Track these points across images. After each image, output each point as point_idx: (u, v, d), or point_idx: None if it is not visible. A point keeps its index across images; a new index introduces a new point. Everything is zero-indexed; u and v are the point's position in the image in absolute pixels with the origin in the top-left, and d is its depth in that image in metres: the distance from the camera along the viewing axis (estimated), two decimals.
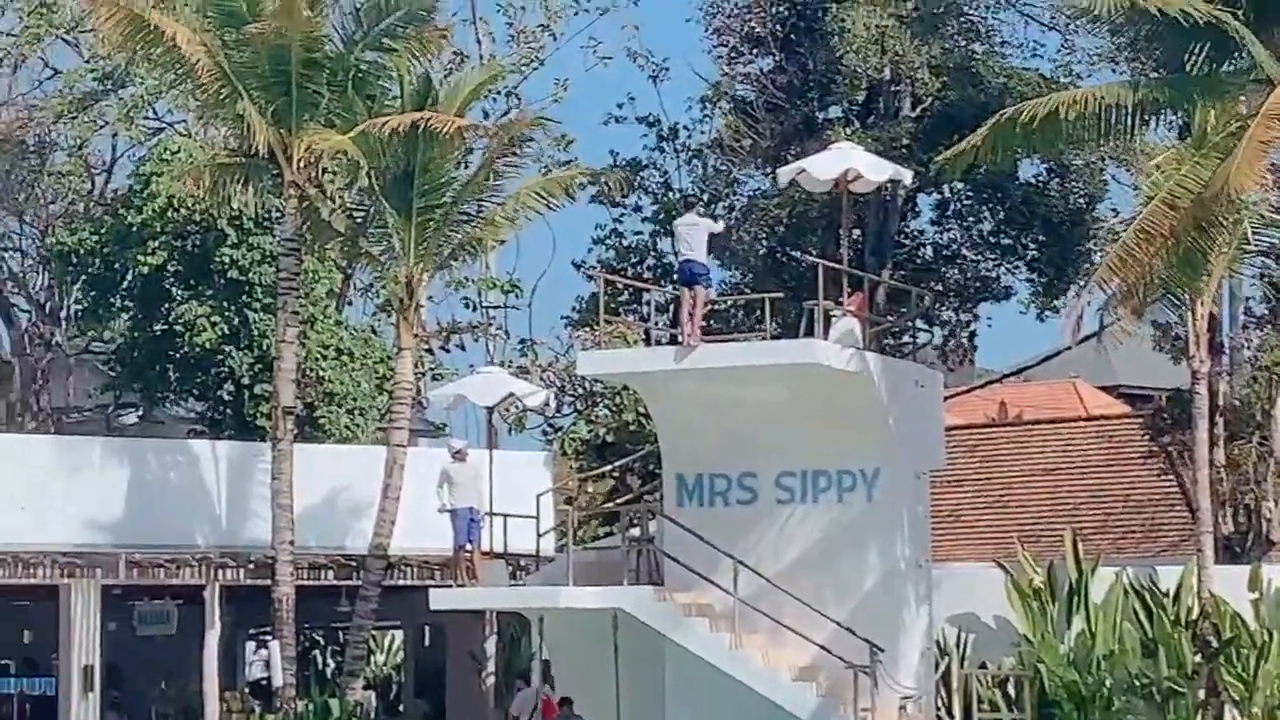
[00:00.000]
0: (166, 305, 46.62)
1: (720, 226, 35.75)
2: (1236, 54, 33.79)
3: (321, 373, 46.49)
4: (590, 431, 50.57)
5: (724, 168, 55.76)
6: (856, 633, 33.08)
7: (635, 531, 36.91)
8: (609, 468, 46.34)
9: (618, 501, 43.37)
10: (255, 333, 45.68)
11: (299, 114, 39.16)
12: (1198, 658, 35.99)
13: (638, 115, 56.92)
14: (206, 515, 41.22)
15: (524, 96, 55.01)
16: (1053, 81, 49.08)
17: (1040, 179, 52.91)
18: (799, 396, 34.02)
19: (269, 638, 40.94)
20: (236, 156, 40.69)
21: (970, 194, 54.05)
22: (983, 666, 36.00)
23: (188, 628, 41.30)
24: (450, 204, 40.57)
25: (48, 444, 43.27)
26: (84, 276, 49.37)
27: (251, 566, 40.10)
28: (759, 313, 39.11)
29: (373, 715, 39.49)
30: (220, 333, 46.10)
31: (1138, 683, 35.99)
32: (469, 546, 37.00)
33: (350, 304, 51.69)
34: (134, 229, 46.98)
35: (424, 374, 48.18)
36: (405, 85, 40.66)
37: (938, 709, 34.35)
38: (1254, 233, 37.62)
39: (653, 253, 54.73)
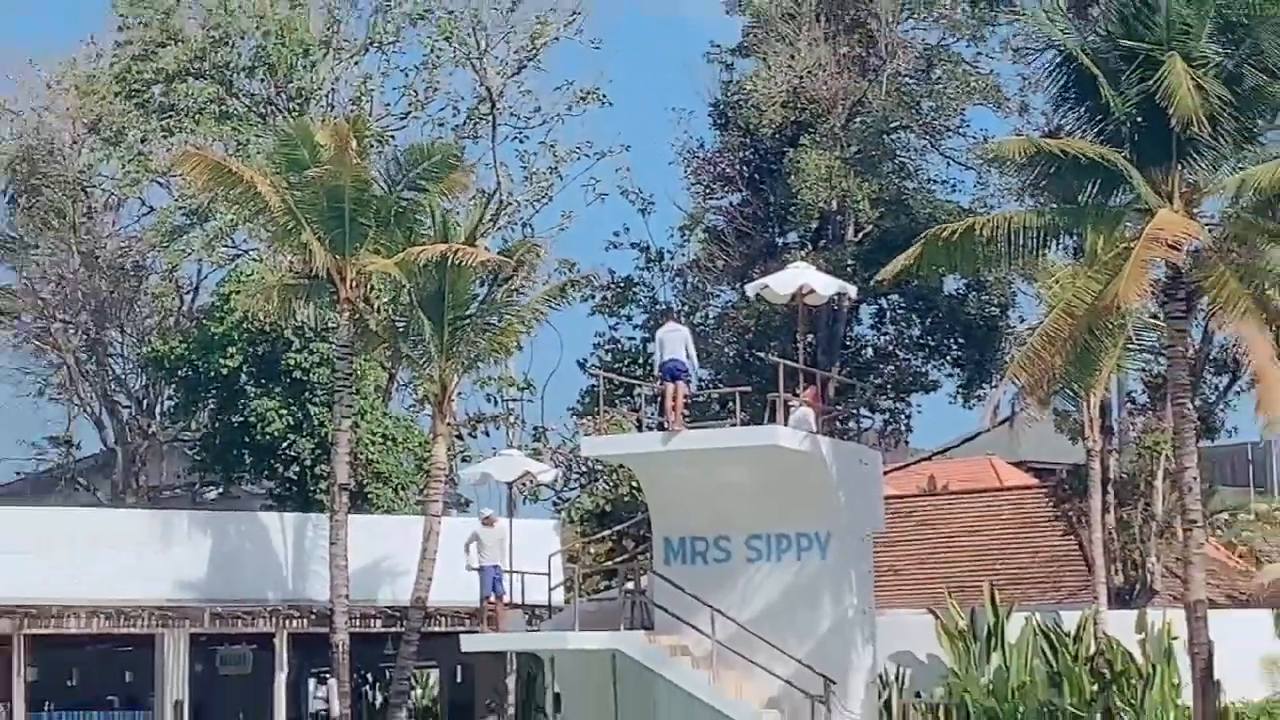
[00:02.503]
0: (242, 401, 46.56)
1: (690, 343, 35.82)
2: (1122, 187, 33.73)
3: (370, 456, 46.36)
4: (592, 502, 50.38)
5: (700, 284, 55.82)
6: (814, 668, 32.93)
7: (630, 585, 36.72)
8: (608, 532, 46.19)
9: (615, 560, 43.15)
10: (315, 423, 45.57)
11: (351, 243, 39.17)
12: (1095, 688, 35.79)
13: (631, 241, 57.01)
14: (276, 575, 41.10)
15: (535, 226, 55.01)
16: (970, 211, 49.07)
17: (960, 292, 52.91)
18: (764, 472, 33.95)
19: (328, 676, 40.73)
20: (300, 278, 40.67)
21: (903, 304, 54.07)
22: (918, 695, 35.84)
23: (261, 668, 41.13)
24: (474, 316, 40.57)
25: (145, 517, 43.17)
26: (174, 377, 49.29)
27: (313, 617, 39.96)
28: (730, 404, 38.87)
29: None
30: (286, 423, 46.01)
31: (1045, 710, 35.77)
32: (493, 598, 36.87)
33: (393, 398, 51.60)
34: (215, 338, 46.93)
35: (455, 456, 48.01)
36: (436, 219, 40.73)
37: None
38: (1136, 336, 37.59)
39: (643, 354, 54.60)
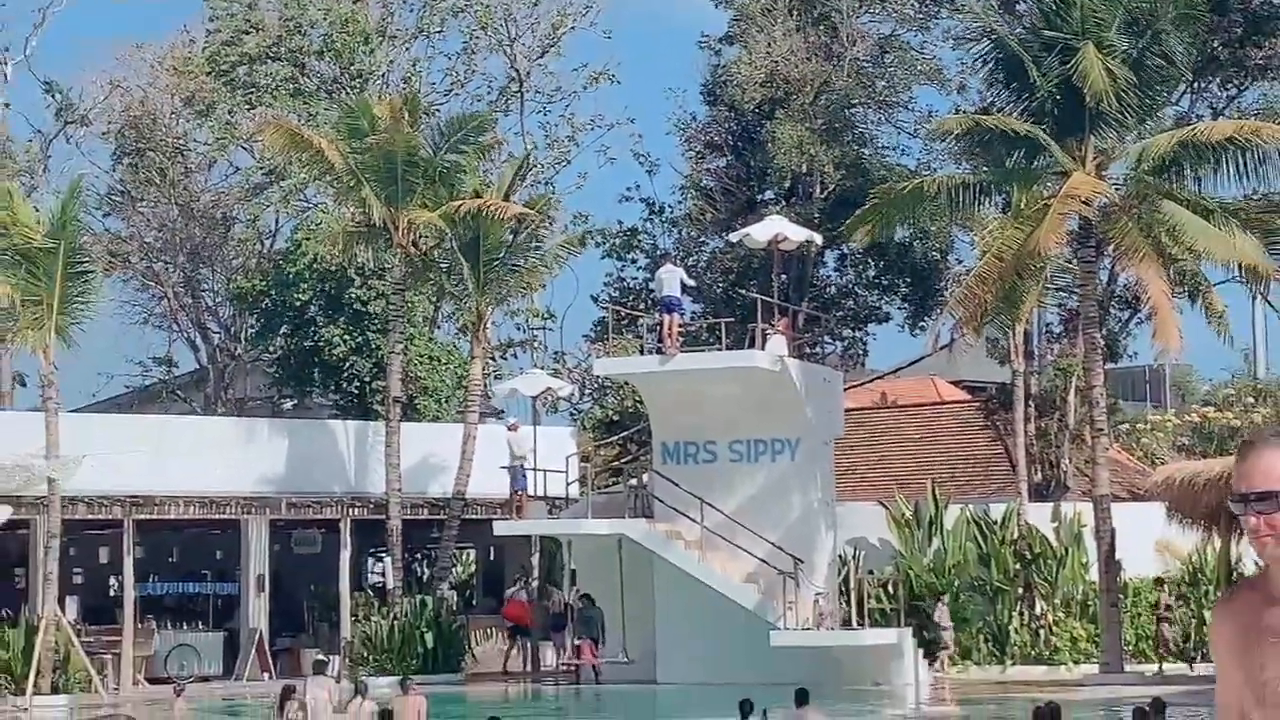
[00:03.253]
0: (312, 328, 46.52)
1: (686, 279, 35.75)
2: (1043, 153, 33.78)
3: (419, 374, 46.35)
4: (602, 413, 50.45)
5: (693, 233, 55.77)
6: (785, 550, 33.04)
7: (633, 481, 36.84)
8: (615, 438, 46.20)
9: (621, 461, 43.26)
10: (373, 346, 45.57)
11: (402, 198, 39.07)
12: (1017, 566, 35.96)
13: (640, 197, 57.04)
14: (340, 472, 41.16)
15: (556, 185, 54.99)
16: (916, 173, 48.99)
17: (908, 239, 52.83)
18: (744, 389, 34.01)
19: (383, 554, 40.87)
20: (360, 227, 40.60)
21: (861, 251, 53.99)
22: (870, 572, 36.00)
23: (328, 548, 41.26)
24: (505, 259, 40.52)
25: (232, 423, 43.25)
26: (256, 308, 49.28)
27: (372, 506, 40.05)
28: (717, 332, 38.91)
29: (454, 607, 39.24)
30: (349, 347, 46.00)
31: (976, 583, 35.96)
32: (520, 492, 36.94)
33: (439, 327, 51.58)
34: (290, 276, 46.87)
35: (489, 374, 48.01)
36: (473, 178, 40.64)
37: (840, 602, 34.31)
38: (1053, 277, 37.56)
39: (646, 291, 54.64)
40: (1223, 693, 4.51)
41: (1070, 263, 38.61)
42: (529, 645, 39.61)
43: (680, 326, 35.66)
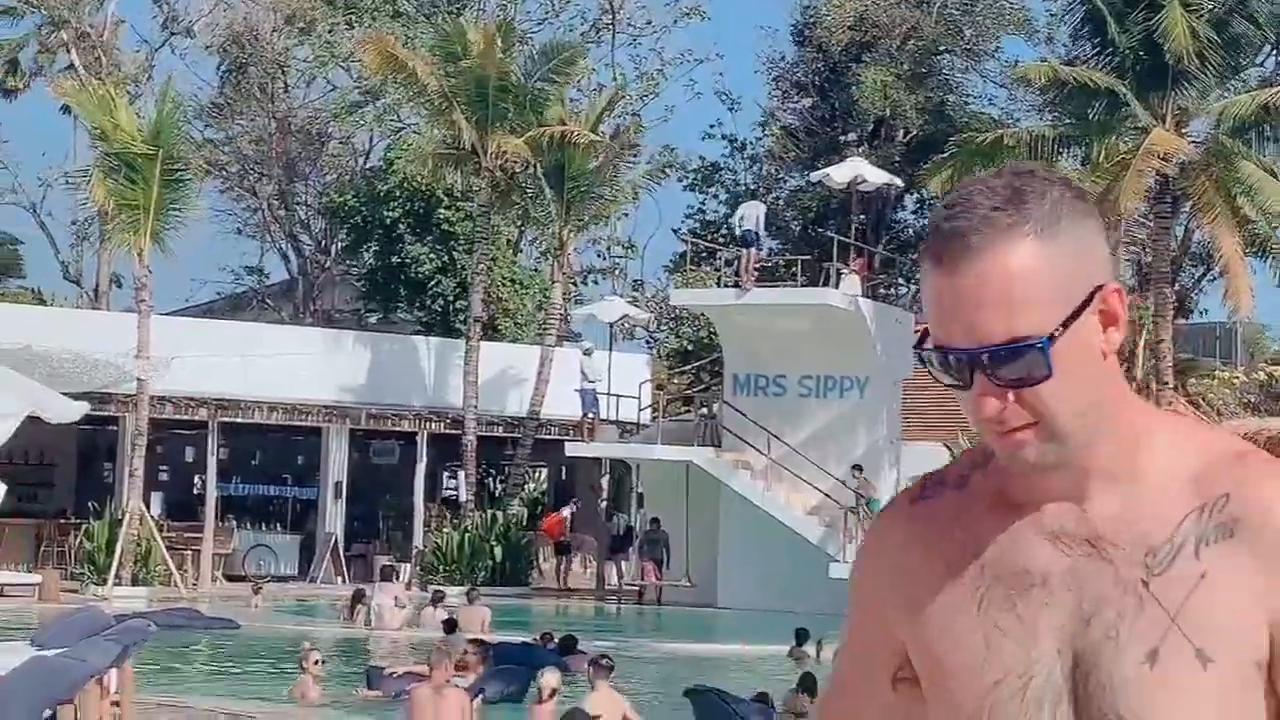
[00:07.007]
0: (400, 245, 46.70)
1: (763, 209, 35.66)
2: (1123, 109, 33.44)
3: (501, 295, 46.50)
4: (677, 342, 50.51)
5: (774, 171, 55.59)
6: (849, 485, 33.06)
7: (704, 410, 36.89)
8: (688, 367, 46.31)
9: (693, 390, 43.33)
10: (458, 266, 45.70)
11: (492, 123, 39.05)
12: None
13: (722, 133, 56.88)
14: (420, 386, 41.38)
15: (643, 117, 54.86)
16: (999, 123, 48.60)
17: None
18: (817, 326, 33.94)
19: (458, 469, 41.12)
20: (450, 149, 40.64)
21: (939, 196, 53.65)
22: None
23: (405, 460, 41.54)
24: (588, 187, 40.49)
25: (319, 334, 43.47)
26: (347, 223, 49.48)
27: (449, 421, 40.24)
28: (794, 269, 38.81)
29: (524, 523, 39.48)
30: (435, 265, 46.20)
31: None
32: (592, 415, 37.07)
33: (522, 250, 51.68)
34: (381, 193, 47.06)
35: (568, 299, 48.09)
36: (560, 108, 40.61)
37: None
38: (1130, 231, 37.25)
39: (725, 225, 54.52)
40: (860, 642, 2.41)
41: (1146, 218, 38.28)
42: (592, 562, 39.81)
43: (758, 262, 35.60)
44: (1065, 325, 2.12)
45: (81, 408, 18.11)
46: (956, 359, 2.13)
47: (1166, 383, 33.74)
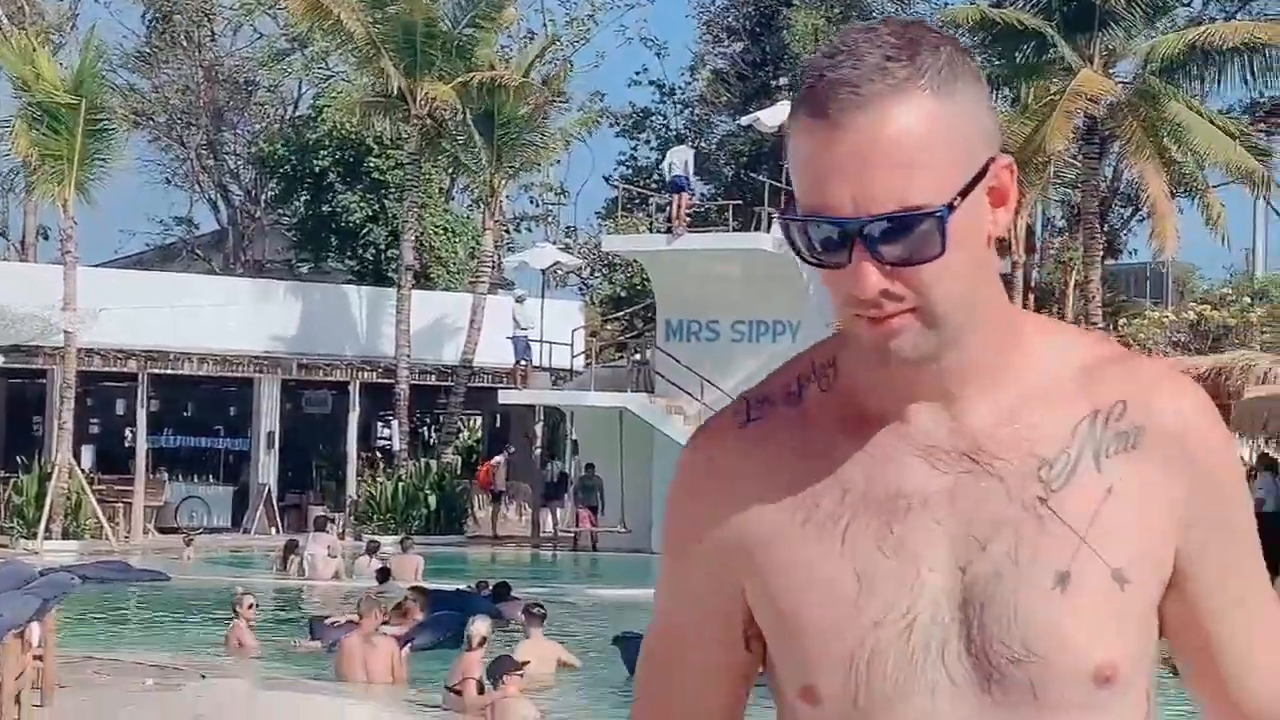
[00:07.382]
0: (330, 194, 46.40)
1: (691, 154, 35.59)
2: (1051, 50, 33.45)
3: (432, 243, 46.28)
4: (610, 289, 50.40)
5: (705, 116, 55.45)
6: None
7: (637, 356, 36.83)
8: (621, 314, 46.22)
9: (626, 336, 43.26)
10: (389, 215, 45.43)
11: (421, 70, 38.76)
12: None
13: (649, 79, 56.69)
14: (352, 336, 41.18)
15: (574, 63, 54.56)
16: None
17: None
18: (748, 271, 33.88)
19: (391, 418, 40.97)
20: (378, 97, 40.31)
21: None
22: None
23: (337, 410, 41.37)
24: (518, 133, 40.25)
25: (249, 284, 43.18)
26: (276, 173, 49.10)
27: (381, 370, 40.09)
28: (725, 214, 38.74)
29: (458, 471, 39.37)
30: (366, 214, 45.93)
31: None
32: (525, 362, 36.97)
33: (453, 198, 51.41)
34: (310, 142, 46.73)
35: (500, 246, 47.90)
36: (489, 52, 40.34)
37: None
38: (1058, 172, 37.33)
39: (656, 171, 54.35)
40: (689, 599, 2.04)
41: (1075, 159, 38.37)
42: (527, 509, 39.79)
43: (689, 207, 35.50)
44: (963, 195, 1.81)
45: None
46: (835, 229, 1.84)
47: (1096, 323, 33.90)
